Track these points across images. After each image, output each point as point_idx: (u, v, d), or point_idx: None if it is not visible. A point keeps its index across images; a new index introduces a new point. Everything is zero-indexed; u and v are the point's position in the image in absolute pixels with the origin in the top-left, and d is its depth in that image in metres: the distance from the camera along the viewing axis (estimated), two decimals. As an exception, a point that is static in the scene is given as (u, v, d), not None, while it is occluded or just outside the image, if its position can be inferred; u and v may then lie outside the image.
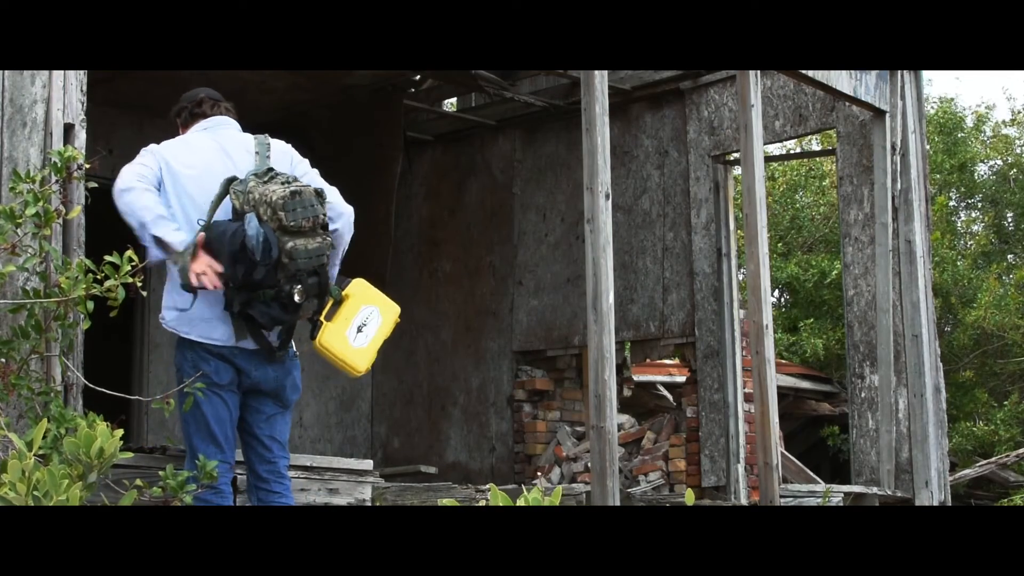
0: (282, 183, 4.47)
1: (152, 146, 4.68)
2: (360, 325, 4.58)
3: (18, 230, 4.35)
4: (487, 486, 7.10)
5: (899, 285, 8.93)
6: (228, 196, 4.52)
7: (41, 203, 4.34)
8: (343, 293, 4.60)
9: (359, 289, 4.65)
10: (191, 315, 4.55)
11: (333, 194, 4.70)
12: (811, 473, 11.10)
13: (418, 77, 9.59)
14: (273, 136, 4.82)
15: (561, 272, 9.96)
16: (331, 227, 4.59)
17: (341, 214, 4.68)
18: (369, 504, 5.76)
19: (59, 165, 4.51)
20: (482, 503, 4.20)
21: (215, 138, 4.76)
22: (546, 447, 10.02)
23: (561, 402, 10.11)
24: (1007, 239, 17.17)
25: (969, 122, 17.90)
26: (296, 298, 4.44)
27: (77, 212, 4.66)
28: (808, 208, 16.70)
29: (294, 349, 4.75)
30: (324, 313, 4.56)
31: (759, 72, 7.59)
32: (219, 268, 4.42)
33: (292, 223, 4.40)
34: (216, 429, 4.62)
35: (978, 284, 15.32)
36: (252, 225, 4.40)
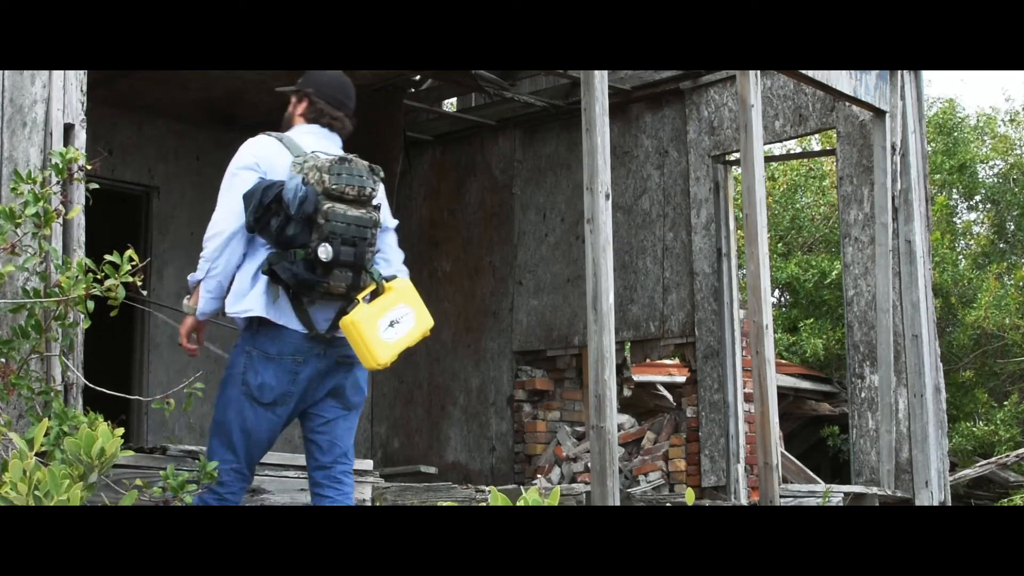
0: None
1: None
2: (393, 320, 4.44)
3: (18, 230, 4.35)
4: (487, 487, 7.10)
5: (899, 285, 8.93)
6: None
7: (41, 203, 4.34)
8: (387, 285, 4.50)
9: (403, 286, 4.55)
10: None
11: (398, 251, 4.79)
12: (811, 473, 11.09)
13: (418, 77, 9.59)
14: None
15: (561, 272, 9.97)
16: (379, 268, 4.59)
17: (398, 260, 4.76)
18: (369, 504, 5.76)
19: (60, 166, 4.51)
20: (482, 504, 4.20)
21: None
22: (546, 447, 10.02)
23: (561, 402, 10.11)
24: (1008, 239, 17.17)
25: (972, 122, 17.91)
26: (321, 255, 4.31)
27: (77, 212, 4.66)
28: (808, 208, 16.71)
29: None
30: (363, 295, 4.43)
31: (759, 72, 7.59)
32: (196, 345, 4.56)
33: (335, 186, 4.35)
34: (238, 437, 4.52)
35: (978, 284, 15.31)
36: (294, 181, 4.37)
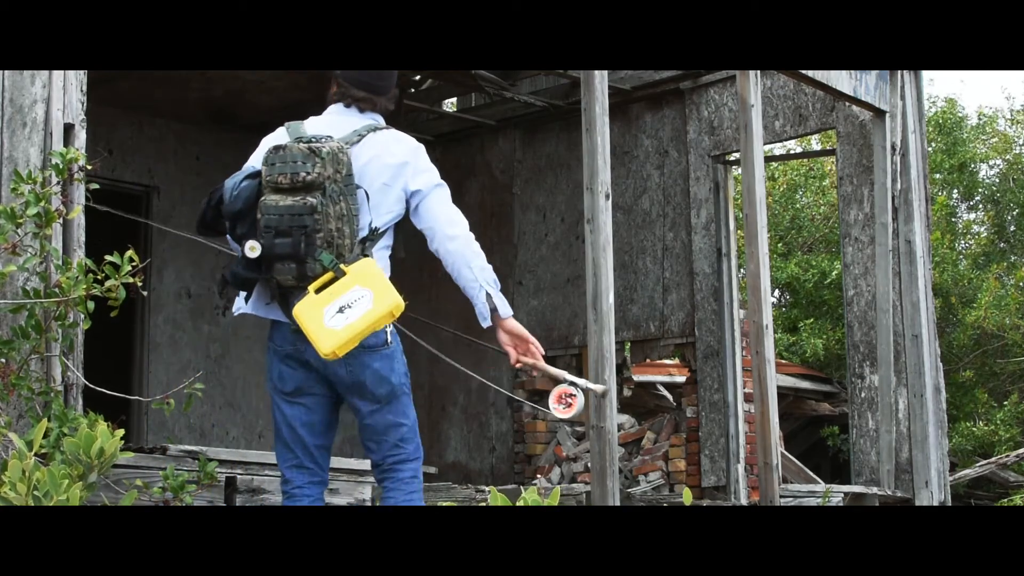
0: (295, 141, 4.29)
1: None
2: (344, 305, 4.18)
3: (19, 230, 4.35)
4: (487, 487, 7.10)
5: (899, 285, 8.92)
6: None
7: (42, 203, 4.34)
8: (345, 268, 4.25)
9: (359, 268, 4.25)
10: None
11: (449, 210, 4.45)
12: (811, 473, 11.09)
13: (418, 77, 9.59)
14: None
15: (561, 272, 9.97)
16: (430, 246, 4.43)
17: (444, 235, 4.44)
18: (369, 504, 5.76)
19: (60, 166, 4.51)
20: (482, 504, 4.20)
21: None
22: (546, 447, 10.02)
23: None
24: (1008, 239, 17.16)
25: (973, 121, 17.90)
26: (246, 251, 4.18)
27: (77, 212, 4.66)
28: (808, 208, 16.70)
29: (387, 338, 4.38)
30: (317, 285, 4.21)
31: (759, 72, 7.59)
32: None
33: (268, 177, 4.21)
34: (285, 432, 4.47)
35: (978, 284, 15.31)
36: (235, 178, 4.28)
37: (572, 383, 4.54)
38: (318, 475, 4.55)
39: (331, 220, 4.23)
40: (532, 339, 4.58)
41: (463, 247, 4.43)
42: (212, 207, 4.35)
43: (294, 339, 4.37)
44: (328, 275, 4.21)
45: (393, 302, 4.21)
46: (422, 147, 4.57)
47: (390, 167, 4.43)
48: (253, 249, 4.18)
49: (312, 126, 4.53)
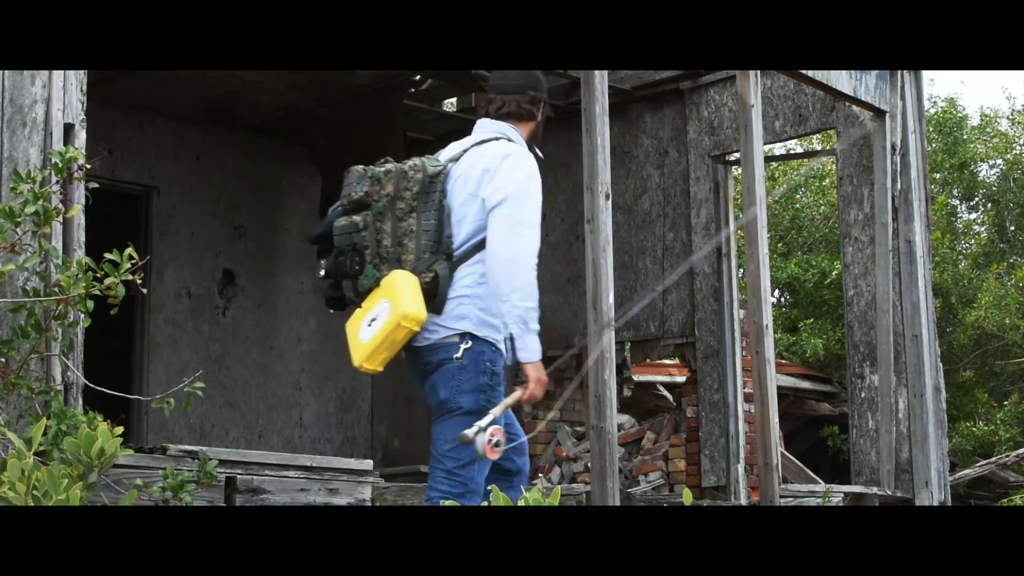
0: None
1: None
2: (373, 318, 4.31)
3: (17, 229, 4.35)
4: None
5: (899, 285, 8.92)
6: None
7: (40, 202, 4.33)
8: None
9: (386, 281, 4.34)
10: None
11: (498, 231, 4.39)
12: (811, 473, 11.10)
13: (418, 77, 9.59)
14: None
15: (561, 272, 9.96)
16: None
17: (491, 258, 4.40)
18: (369, 504, 5.76)
19: (60, 165, 4.51)
20: (483, 504, 4.19)
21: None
22: (546, 447, 10.02)
23: (561, 402, 10.10)
24: (1008, 239, 17.17)
25: (975, 122, 17.90)
26: (317, 272, 4.48)
27: (76, 211, 4.65)
28: (808, 208, 16.71)
29: (456, 354, 4.38)
30: (367, 299, 4.37)
31: (759, 72, 7.59)
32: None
33: (339, 203, 4.47)
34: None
35: (978, 284, 15.31)
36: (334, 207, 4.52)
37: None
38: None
39: (386, 236, 4.35)
40: (542, 382, 4.44)
41: (502, 277, 4.39)
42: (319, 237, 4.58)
43: (410, 362, 4.52)
44: (374, 290, 4.36)
45: (401, 313, 4.23)
46: (514, 157, 4.48)
47: (475, 177, 4.45)
48: (319, 268, 4.46)
49: (451, 145, 4.69)
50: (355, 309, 4.40)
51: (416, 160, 4.45)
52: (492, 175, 4.42)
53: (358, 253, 4.34)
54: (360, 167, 4.45)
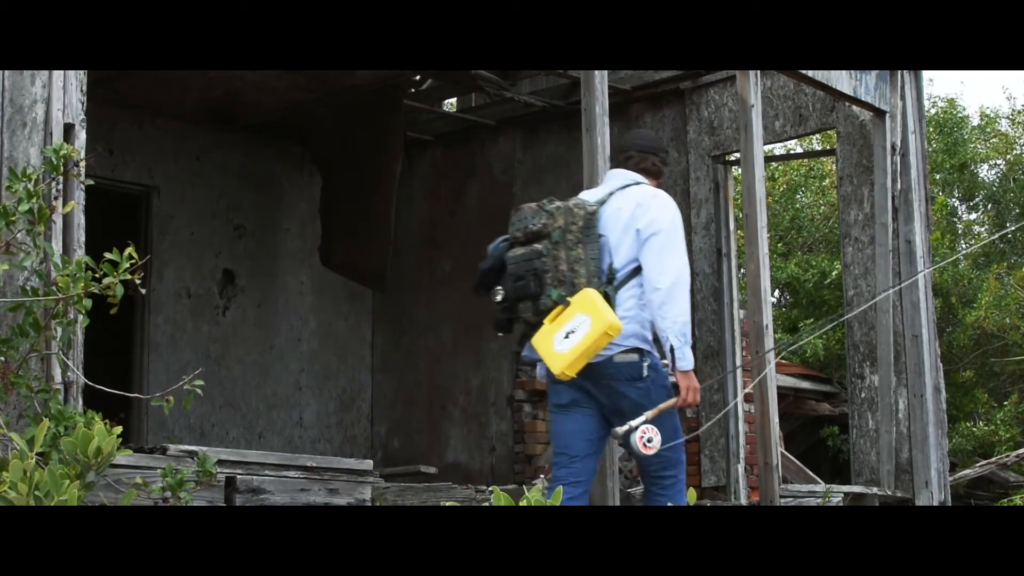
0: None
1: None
2: (569, 331, 4.86)
3: (11, 228, 4.34)
4: (487, 486, 7.10)
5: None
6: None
7: (34, 199, 4.32)
8: (570, 301, 4.90)
9: (580, 298, 4.91)
10: None
11: (656, 259, 5.06)
12: (811, 473, 11.09)
13: (418, 77, 9.59)
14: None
15: (561, 272, 9.94)
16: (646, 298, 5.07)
17: (650, 285, 5.04)
18: (369, 504, 5.76)
19: (55, 163, 4.51)
20: (483, 504, 4.20)
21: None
22: (546, 447, 10.01)
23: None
24: (1008, 239, 17.16)
25: (975, 122, 17.89)
26: (495, 296, 5.08)
27: (71, 207, 4.64)
28: (808, 208, 16.70)
29: (643, 373, 5.03)
30: (551, 317, 4.92)
31: (759, 72, 7.59)
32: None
33: (510, 236, 5.11)
34: (555, 441, 5.18)
35: (978, 284, 15.31)
36: (493, 243, 5.20)
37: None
38: (576, 476, 5.11)
39: (562, 262, 5.00)
40: (695, 388, 5.11)
41: (663, 298, 5.04)
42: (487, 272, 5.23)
43: (590, 379, 5.02)
44: (558, 308, 4.94)
45: (608, 323, 4.82)
46: (662, 196, 5.20)
47: (627, 214, 5.10)
48: (497, 293, 5.10)
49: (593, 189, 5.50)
50: (525, 329, 5.04)
51: (575, 199, 5.15)
52: (645, 210, 5.09)
53: (538, 277, 4.99)
54: (532, 204, 5.10)
